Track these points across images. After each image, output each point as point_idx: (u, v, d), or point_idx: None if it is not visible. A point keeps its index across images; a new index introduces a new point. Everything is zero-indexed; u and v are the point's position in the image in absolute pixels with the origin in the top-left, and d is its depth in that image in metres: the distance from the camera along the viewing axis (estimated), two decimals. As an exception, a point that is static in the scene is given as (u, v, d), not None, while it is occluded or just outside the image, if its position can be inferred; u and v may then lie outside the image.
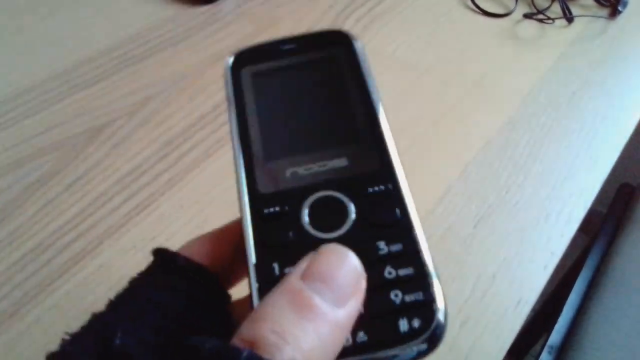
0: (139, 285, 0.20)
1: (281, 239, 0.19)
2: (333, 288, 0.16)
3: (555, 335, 0.67)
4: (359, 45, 0.25)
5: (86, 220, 0.39)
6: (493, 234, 0.41)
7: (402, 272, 0.18)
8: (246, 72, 0.24)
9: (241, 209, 0.20)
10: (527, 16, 0.61)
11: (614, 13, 0.62)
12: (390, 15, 0.60)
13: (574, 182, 0.45)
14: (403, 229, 0.19)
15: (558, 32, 0.60)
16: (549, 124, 0.49)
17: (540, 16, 0.60)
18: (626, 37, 0.60)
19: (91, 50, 0.53)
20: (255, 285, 0.19)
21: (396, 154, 0.21)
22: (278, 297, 0.16)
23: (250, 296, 0.19)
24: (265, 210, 0.20)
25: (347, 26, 0.58)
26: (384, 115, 0.22)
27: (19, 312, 0.34)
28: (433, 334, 0.18)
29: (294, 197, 0.20)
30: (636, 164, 1.09)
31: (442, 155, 0.46)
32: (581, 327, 0.65)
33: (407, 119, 0.48)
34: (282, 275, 0.18)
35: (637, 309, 0.66)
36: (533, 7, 0.62)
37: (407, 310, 0.18)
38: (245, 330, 0.16)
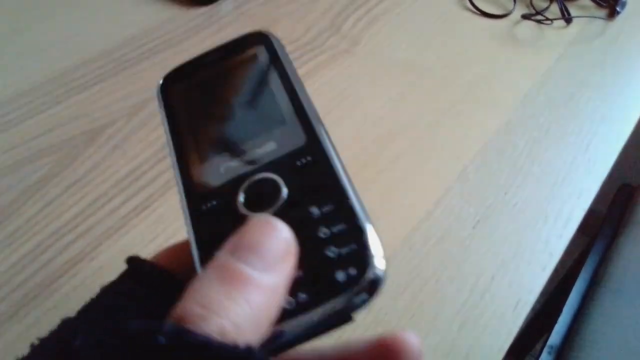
0: (106, 291, 0.20)
1: (221, 229, 0.19)
2: (261, 255, 0.17)
3: (555, 336, 0.67)
4: (275, 40, 0.26)
5: (85, 222, 0.39)
6: (492, 235, 0.41)
7: (335, 229, 0.19)
8: (174, 90, 0.25)
9: (184, 215, 0.21)
10: (525, 17, 0.61)
11: (613, 14, 0.62)
12: (389, 16, 0.60)
13: (572, 184, 0.45)
14: (332, 191, 0.20)
15: (556, 33, 0.60)
16: (547, 125, 0.49)
17: (539, 17, 0.61)
18: (624, 38, 0.60)
19: (90, 52, 0.53)
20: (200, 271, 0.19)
21: (322, 128, 0.22)
22: (206, 273, 0.17)
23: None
24: (203, 207, 0.21)
25: (346, 27, 0.58)
26: (307, 96, 0.23)
27: (18, 314, 0.34)
28: (372, 280, 0.18)
29: (229, 188, 0.21)
30: (636, 165, 1.09)
31: (440, 156, 0.46)
32: (581, 327, 0.65)
33: (406, 120, 0.49)
34: None
35: (636, 309, 0.66)
36: (531, 8, 0.62)
37: (343, 262, 0.18)
38: (174, 309, 0.16)
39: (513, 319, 0.36)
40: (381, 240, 0.19)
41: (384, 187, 0.43)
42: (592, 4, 0.64)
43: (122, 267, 0.36)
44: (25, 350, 0.32)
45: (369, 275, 0.18)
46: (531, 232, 0.41)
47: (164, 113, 0.25)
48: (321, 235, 0.19)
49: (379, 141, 0.47)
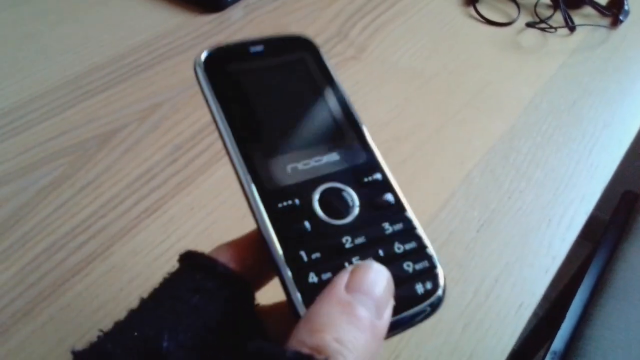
0: (175, 286, 0.21)
1: (300, 228, 0.21)
2: (374, 300, 0.19)
3: (559, 341, 0.67)
4: (322, 50, 0.27)
5: (98, 223, 0.40)
6: (495, 238, 0.41)
7: (408, 246, 0.22)
8: (221, 71, 0.25)
9: (253, 207, 0.22)
10: (529, 25, 0.62)
11: (616, 22, 0.63)
12: (395, 24, 0.61)
13: (575, 188, 0.45)
14: (399, 211, 0.23)
15: (560, 41, 0.61)
16: (551, 132, 0.50)
17: (543, 25, 0.61)
18: (627, 46, 0.61)
19: (102, 58, 0.54)
20: (288, 274, 0.20)
21: (375, 146, 0.25)
22: (329, 307, 0.18)
23: (284, 286, 0.20)
24: (279, 205, 0.22)
25: (353, 34, 0.59)
26: (354, 110, 0.25)
27: (33, 311, 0.35)
28: (440, 295, 0.22)
29: (302, 190, 0.22)
30: (639, 172, 1.09)
31: (445, 161, 0.47)
32: (584, 333, 0.65)
33: (411, 126, 0.49)
34: (310, 261, 0.21)
35: (639, 315, 0.66)
36: (535, 16, 0.63)
37: (419, 276, 0.21)
38: (307, 338, 0.17)
39: (516, 320, 0.37)
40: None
41: (389, 190, 0.44)
42: (595, 12, 0.64)
43: (133, 267, 0.37)
44: (39, 347, 0.33)
45: (441, 289, 0.22)
46: (534, 235, 0.42)
47: (212, 93, 0.24)
48: (396, 250, 0.22)
49: (386, 146, 0.48)
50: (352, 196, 0.23)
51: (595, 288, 0.72)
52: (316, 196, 0.22)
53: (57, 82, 0.51)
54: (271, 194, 0.22)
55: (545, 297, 0.40)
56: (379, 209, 0.23)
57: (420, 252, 0.22)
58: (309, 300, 0.19)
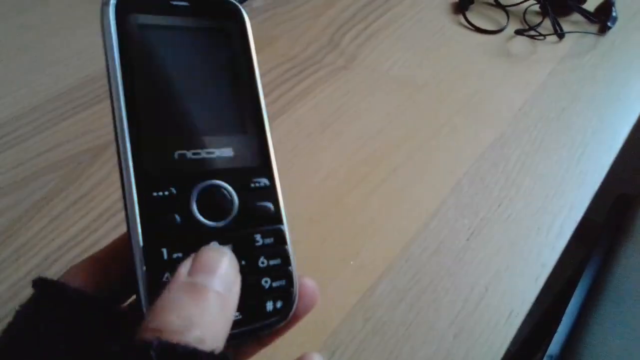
0: (25, 319, 0.20)
1: (169, 224, 0.20)
2: (218, 276, 0.19)
3: (555, 345, 0.67)
4: (248, 24, 0.24)
5: (90, 237, 0.40)
6: (485, 247, 0.42)
7: (272, 262, 0.22)
8: (131, 20, 0.21)
9: (125, 188, 0.20)
10: (518, 33, 0.62)
11: (604, 29, 0.64)
12: (385, 33, 0.62)
13: (564, 196, 0.46)
14: (275, 225, 0.22)
15: (549, 48, 0.61)
16: (540, 139, 0.50)
17: (532, 32, 0.62)
18: (616, 53, 0.61)
19: (95, 69, 0.55)
20: (142, 269, 0.19)
21: (272, 148, 0.23)
22: (173, 290, 0.18)
23: (135, 279, 0.19)
24: (155, 193, 0.20)
25: (343, 43, 0.60)
26: (264, 104, 0.23)
27: (26, 327, 0.35)
28: (291, 314, 0.22)
29: (183, 182, 0.21)
30: (633, 174, 1.10)
31: (435, 170, 0.47)
32: (580, 336, 0.66)
33: (401, 134, 0.50)
34: (170, 260, 0.20)
35: (634, 318, 0.66)
36: (525, 24, 0.64)
37: (272, 293, 0.22)
38: (151, 322, 0.17)
39: (506, 328, 0.37)
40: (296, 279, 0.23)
41: (381, 199, 0.44)
42: (583, 19, 0.65)
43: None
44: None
45: (292, 310, 0.22)
46: (524, 243, 0.42)
47: (116, 44, 0.21)
48: (260, 264, 0.22)
49: (377, 154, 0.48)
50: (233, 199, 0.21)
51: (590, 292, 0.72)
52: (196, 192, 0.21)
53: (49, 95, 0.52)
54: (149, 179, 0.20)
55: (541, 301, 0.41)
56: (256, 217, 0.22)
57: (281, 270, 0.22)
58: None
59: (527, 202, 0.45)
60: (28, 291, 0.37)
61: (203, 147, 0.21)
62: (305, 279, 0.23)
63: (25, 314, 0.20)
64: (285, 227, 0.23)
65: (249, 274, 0.20)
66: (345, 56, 0.58)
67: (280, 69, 0.56)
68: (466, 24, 0.63)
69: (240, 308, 0.19)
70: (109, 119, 0.52)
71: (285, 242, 0.22)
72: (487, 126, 0.51)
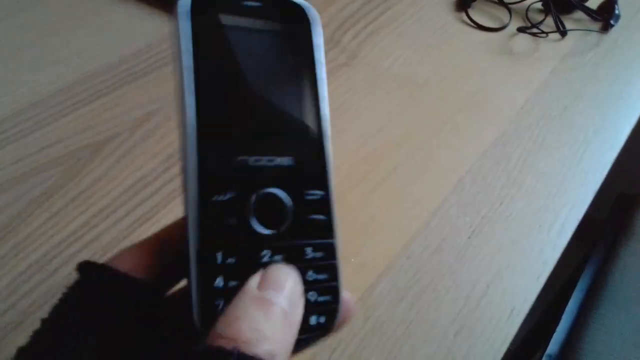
0: (69, 307, 0.20)
1: (225, 227, 0.20)
2: (286, 295, 0.19)
3: (554, 344, 0.67)
4: (317, 26, 0.24)
5: (90, 233, 0.40)
6: (487, 245, 0.42)
7: (320, 276, 0.22)
8: (207, 23, 0.21)
9: (187, 188, 0.20)
10: (521, 30, 0.62)
11: (607, 27, 0.63)
12: (387, 30, 0.62)
13: (566, 194, 0.46)
14: (327, 239, 0.22)
15: (551, 46, 0.61)
16: (542, 137, 0.50)
17: (534, 30, 0.62)
18: (618, 51, 0.61)
19: (95, 66, 0.55)
20: (195, 270, 0.20)
21: (331, 159, 0.23)
22: (243, 302, 0.19)
23: (189, 281, 0.20)
24: (216, 197, 0.20)
25: (345, 40, 0.60)
26: (327, 113, 0.23)
27: (25, 323, 0.35)
28: (332, 330, 0.22)
29: (242, 187, 0.21)
30: (634, 173, 1.10)
31: (437, 168, 0.47)
32: (579, 336, 0.65)
33: (403, 132, 0.50)
34: (224, 265, 0.20)
35: (634, 317, 0.66)
36: (527, 21, 0.63)
37: (317, 308, 0.21)
38: (223, 330, 0.18)
39: (507, 326, 0.37)
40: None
41: (382, 197, 0.44)
42: (586, 17, 0.65)
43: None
44: None
45: (334, 326, 0.22)
46: (526, 241, 0.42)
47: (190, 44, 0.20)
48: (308, 277, 0.21)
49: (378, 152, 0.48)
50: (289, 209, 0.21)
51: (590, 291, 0.72)
52: (253, 199, 0.21)
53: (49, 91, 0.52)
54: (211, 181, 0.20)
55: (541, 299, 0.41)
56: (309, 229, 0.22)
57: (328, 285, 0.22)
58: (206, 304, 0.19)
59: (529, 200, 0.45)
60: (27, 286, 0.37)
61: (264, 153, 0.21)
62: (343, 292, 0.23)
63: (69, 296, 0.20)
64: (337, 242, 0.22)
65: None
66: (347, 54, 0.58)
67: (281, 65, 0.56)
68: (468, 21, 0.63)
69: None
70: (108, 115, 0.52)
71: (334, 257, 0.22)
72: (489, 124, 0.51)
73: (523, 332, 0.87)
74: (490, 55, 0.59)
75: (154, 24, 0.61)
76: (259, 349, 0.17)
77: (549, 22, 0.63)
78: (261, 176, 0.21)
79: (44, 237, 0.40)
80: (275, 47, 0.23)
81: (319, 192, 0.22)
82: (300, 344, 0.21)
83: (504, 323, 0.37)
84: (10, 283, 0.37)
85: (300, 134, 0.22)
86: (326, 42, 0.59)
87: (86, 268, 0.20)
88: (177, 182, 0.44)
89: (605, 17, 0.64)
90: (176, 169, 0.45)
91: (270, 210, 0.21)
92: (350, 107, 0.52)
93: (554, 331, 0.69)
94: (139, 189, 0.43)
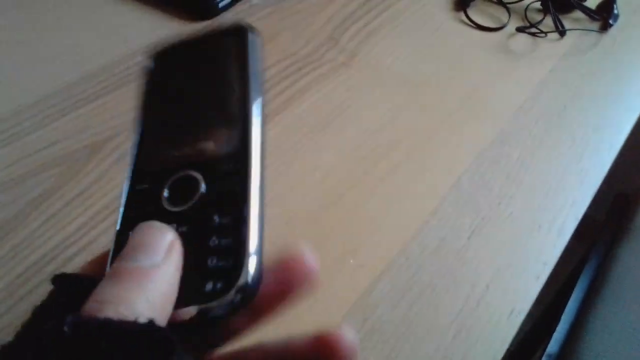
0: (40, 313, 0.20)
1: (142, 211, 0.22)
2: (146, 251, 0.19)
3: (554, 344, 0.67)
4: (252, 37, 0.26)
5: (88, 234, 0.40)
6: (486, 245, 0.41)
7: (224, 241, 0.21)
8: (157, 66, 0.27)
9: (123, 186, 0.23)
10: (519, 30, 0.62)
11: (605, 26, 0.63)
12: (386, 30, 0.61)
13: (565, 193, 0.45)
14: (238, 205, 0.21)
15: (550, 46, 0.61)
16: (541, 136, 0.50)
17: (533, 30, 0.62)
18: (617, 50, 0.61)
19: (92, 67, 0.54)
20: (111, 250, 0.22)
21: (258, 140, 0.23)
22: (103, 280, 0.18)
23: (108, 260, 0.21)
24: (137, 187, 0.23)
25: (344, 40, 0.59)
26: (259, 100, 0.24)
27: (23, 325, 0.35)
28: (232, 300, 0.20)
29: (161, 175, 0.23)
30: (633, 173, 1.10)
31: (436, 167, 0.47)
32: (579, 335, 0.65)
33: (401, 132, 0.49)
34: None
35: (634, 317, 0.66)
36: (526, 21, 0.63)
37: (215, 273, 0.20)
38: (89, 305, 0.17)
39: (507, 327, 0.37)
40: (259, 266, 0.20)
41: (381, 197, 0.44)
42: (585, 16, 0.65)
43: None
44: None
45: (230, 295, 0.20)
46: (525, 241, 0.42)
47: (143, 85, 0.26)
48: (210, 243, 0.21)
49: (377, 152, 0.48)
50: (200, 185, 0.22)
51: (589, 290, 0.72)
52: (168, 183, 0.22)
53: (47, 91, 0.51)
54: (138, 175, 0.23)
55: (541, 299, 0.41)
56: (219, 199, 0.22)
57: (232, 250, 0.20)
58: None
59: (528, 199, 0.45)
60: (24, 289, 0.36)
61: (188, 144, 0.24)
62: (343, 331, 0.21)
63: (41, 308, 0.20)
64: (252, 210, 0.21)
65: (198, 253, 0.20)
66: (346, 53, 0.58)
67: (280, 65, 0.55)
68: (467, 21, 0.63)
69: (182, 290, 0.19)
70: (106, 115, 0.52)
71: (243, 223, 0.21)
72: (488, 124, 0.51)
73: (523, 331, 0.87)
74: (489, 54, 0.59)
75: (153, 24, 0.60)
76: (103, 313, 0.16)
77: (548, 22, 0.63)
78: (181, 162, 0.23)
79: (42, 239, 0.40)
80: (209, 61, 0.27)
81: (234, 165, 0.22)
82: (204, 314, 0.19)
83: (503, 323, 0.37)
84: (7, 286, 0.37)
85: (223, 121, 0.24)
86: (325, 42, 0.59)
87: (59, 279, 0.21)
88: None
89: (604, 16, 0.64)
90: (174, 169, 0.45)
91: (183, 190, 0.22)
92: (349, 107, 0.52)
93: (554, 330, 0.69)
94: (137, 190, 0.43)
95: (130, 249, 0.19)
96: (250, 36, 0.26)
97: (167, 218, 0.21)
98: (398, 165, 0.47)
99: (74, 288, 0.20)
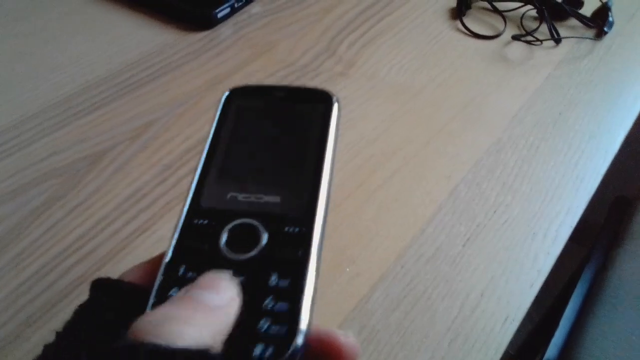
0: (81, 313, 0.21)
1: (197, 247, 0.22)
2: (212, 293, 0.19)
3: (552, 349, 0.67)
4: (337, 108, 0.27)
5: (88, 244, 0.40)
6: (481, 253, 0.42)
7: (279, 306, 0.21)
8: (235, 104, 0.28)
9: (179, 216, 0.23)
10: (515, 38, 0.62)
11: (600, 34, 0.64)
12: (382, 39, 0.62)
13: (560, 201, 0.46)
14: (297, 270, 0.21)
15: (546, 53, 0.62)
16: (537, 144, 0.51)
17: (529, 38, 0.62)
18: (612, 57, 0.61)
19: (92, 77, 0.55)
20: (159, 279, 0.22)
21: (324, 206, 0.24)
22: (168, 302, 0.19)
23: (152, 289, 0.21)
24: (195, 221, 0.23)
25: (341, 50, 0.60)
26: (330, 171, 0.25)
27: (23, 335, 0.35)
28: None
29: (223, 216, 0.23)
30: (631, 177, 1.10)
31: (432, 175, 0.47)
32: (578, 340, 0.66)
33: (398, 140, 0.50)
34: (184, 277, 0.21)
35: (632, 322, 0.67)
36: (522, 29, 0.64)
37: (267, 338, 0.20)
38: (141, 326, 0.18)
39: (501, 335, 0.37)
40: (307, 336, 0.20)
41: (377, 205, 0.44)
42: (580, 24, 0.65)
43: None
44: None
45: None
46: (520, 249, 0.42)
47: (216, 119, 0.27)
48: (265, 304, 0.21)
49: (374, 160, 0.48)
50: (261, 238, 0.22)
51: (588, 295, 0.72)
52: (229, 226, 0.23)
53: (48, 102, 0.52)
54: (197, 210, 0.23)
55: (540, 303, 0.41)
56: (279, 259, 0.22)
57: (287, 317, 0.20)
58: None
59: (524, 207, 0.45)
60: (26, 298, 0.37)
61: (254, 192, 0.24)
62: (347, 336, 0.22)
63: (82, 308, 0.21)
64: (309, 277, 0.21)
65: (250, 312, 0.20)
66: (343, 63, 0.58)
67: (278, 75, 0.56)
68: (463, 29, 0.64)
69: (227, 347, 0.19)
70: (106, 126, 0.53)
71: (301, 290, 0.21)
72: (484, 132, 0.52)
73: (522, 336, 0.88)
74: (485, 63, 0.60)
75: (151, 34, 0.61)
76: (165, 335, 0.17)
77: (544, 30, 0.63)
78: (244, 209, 0.23)
79: (43, 249, 0.40)
80: (288, 117, 0.28)
81: (299, 227, 0.23)
82: None
83: (497, 331, 0.38)
84: (9, 295, 0.37)
85: (293, 180, 0.25)
86: (323, 52, 0.60)
87: (100, 283, 0.22)
88: (175, 193, 0.44)
89: (599, 24, 0.64)
90: (174, 180, 0.45)
91: (243, 238, 0.22)
92: (346, 116, 0.52)
93: (552, 335, 0.69)
94: (136, 200, 0.44)
95: (198, 286, 0.20)
96: (336, 106, 0.27)
97: (223, 262, 0.22)
98: (394, 174, 0.47)
99: (114, 292, 0.22)
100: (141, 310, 0.21)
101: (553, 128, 0.52)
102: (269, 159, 0.26)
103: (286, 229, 0.23)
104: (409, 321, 0.38)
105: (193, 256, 0.22)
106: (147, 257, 0.40)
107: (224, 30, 0.62)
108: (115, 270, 0.39)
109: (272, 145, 0.27)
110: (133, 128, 0.50)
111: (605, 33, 0.63)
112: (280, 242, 0.22)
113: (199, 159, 0.25)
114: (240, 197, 0.24)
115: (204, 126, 0.50)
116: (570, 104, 0.55)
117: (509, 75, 0.58)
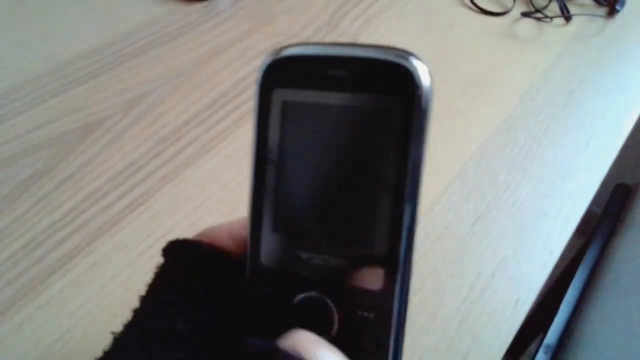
0: (172, 278, 0.21)
1: (269, 317, 0.20)
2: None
3: (551, 335, 0.66)
4: (425, 98, 0.19)
5: (79, 217, 0.38)
6: (491, 232, 0.40)
7: None
8: (278, 96, 0.19)
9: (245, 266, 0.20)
10: (525, 15, 0.60)
11: (612, 12, 0.62)
12: (387, 14, 0.60)
13: (572, 181, 0.44)
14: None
15: (556, 31, 0.60)
16: (547, 123, 0.49)
17: (538, 15, 0.60)
18: (624, 36, 0.60)
19: (86, 47, 0.53)
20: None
21: (407, 276, 0.19)
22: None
23: None
24: (262, 288, 0.20)
25: (344, 23, 0.58)
26: (417, 219, 0.19)
27: (11, 310, 0.33)
28: None
29: (290, 285, 0.20)
30: (632, 164, 1.09)
31: (440, 153, 0.45)
32: (577, 326, 0.65)
33: (404, 117, 0.48)
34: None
35: (632, 308, 0.66)
36: (531, 6, 0.62)
37: None
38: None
39: (513, 316, 0.36)
40: None
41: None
42: (591, 2, 0.63)
43: (116, 263, 0.36)
44: (17, 347, 0.31)
45: None
46: (531, 229, 0.41)
47: (257, 112, 0.19)
48: None
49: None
50: (334, 322, 0.19)
51: (588, 282, 0.71)
52: (298, 298, 0.20)
53: (39, 70, 0.50)
54: (261, 272, 0.20)
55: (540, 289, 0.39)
56: (355, 348, 0.18)
57: None
58: None
59: (534, 186, 0.43)
60: (13, 273, 0.35)
61: (320, 252, 0.19)
62: None
63: (163, 271, 0.21)
64: None
65: None
66: (346, 37, 0.56)
67: (278, 47, 0.54)
68: (471, 5, 0.61)
69: None
70: (100, 96, 0.50)
71: None
72: (493, 110, 0.50)
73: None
74: (494, 40, 0.58)
75: (148, 4, 0.59)
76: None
77: (554, 7, 0.61)
78: (311, 277, 0.19)
79: (31, 222, 0.38)
80: (361, 129, 0.18)
81: (373, 313, 0.18)
82: None
83: (509, 313, 0.36)
84: (-5, 269, 0.35)
85: (366, 238, 0.19)
86: (325, 25, 0.57)
87: (177, 245, 0.21)
88: (171, 167, 0.42)
89: (611, 2, 0.62)
90: (170, 152, 0.43)
91: (315, 316, 0.19)
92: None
93: (552, 321, 0.68)
94: (131, 173, 0.42)
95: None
96: (426, 94, 0.19)
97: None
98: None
99: (195, 255, 0.21)
100: (226, 275, 0.20)
101: (564, 106, 0.51)
102: (336, 198, 0.19)
103: (360, 312, 0.18)
104: (417, 301, 0.36)
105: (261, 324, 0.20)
106: (143, 232, 0.38)
107: (222, 1, 0.60)
108: (107, 245, 0.37)
109: (338, 173, 0.19)
110: (128, 99, 0.47)
111: (617, 11, 0.61)
112: (354, 328, 0.19)
113: (250, 180, 0.20)
114: (304, 256, 0.19)
115: (202, 99, 0.48)
116: (581, 82, 0.53)
117: (519, 53, 0.56)
